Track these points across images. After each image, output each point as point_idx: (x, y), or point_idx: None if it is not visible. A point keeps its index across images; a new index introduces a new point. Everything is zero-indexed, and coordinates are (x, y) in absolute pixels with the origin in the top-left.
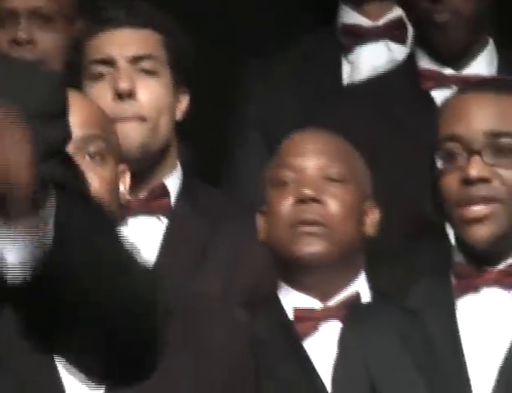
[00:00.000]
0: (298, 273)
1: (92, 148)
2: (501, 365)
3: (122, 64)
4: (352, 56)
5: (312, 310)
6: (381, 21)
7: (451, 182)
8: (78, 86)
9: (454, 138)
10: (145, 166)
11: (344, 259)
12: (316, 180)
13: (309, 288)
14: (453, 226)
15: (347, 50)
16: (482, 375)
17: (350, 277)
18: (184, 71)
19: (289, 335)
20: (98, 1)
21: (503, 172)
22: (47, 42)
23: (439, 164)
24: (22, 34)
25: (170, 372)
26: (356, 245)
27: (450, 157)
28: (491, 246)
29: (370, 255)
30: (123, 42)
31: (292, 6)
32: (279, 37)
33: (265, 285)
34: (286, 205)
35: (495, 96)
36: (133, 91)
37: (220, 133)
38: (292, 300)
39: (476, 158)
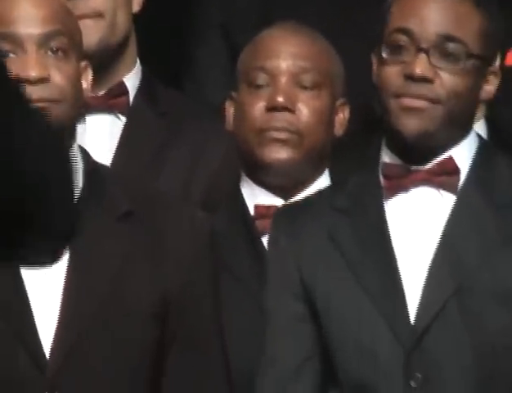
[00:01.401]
0: (263, 174)
1: (54, 44)
2: (431, 263)
3: None
4: None
5: (273, 207)
6: None
7: (393, 74)
8: None
9: (405, 32)
10: (104, 63)
11: (311, 163)
12: (289, 87)
13: (273, 187)
14: (387, 116)
15: None
16: (412, 273)
17: (315, 176)
18: None
19: (249, 231)
20: None
21: (445, 76)
22: None
23: (384, 54)
24: None
25: (131, 276)
26: (324, 148)
27: (396, 49)
28: (420, 141)
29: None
30: None
31: None
32: None
33: (226, 182)
34: (258, 109)
35: (453, 0)
36: None
37: (180, 33)
38: (254, 196)
39: (423, 56)
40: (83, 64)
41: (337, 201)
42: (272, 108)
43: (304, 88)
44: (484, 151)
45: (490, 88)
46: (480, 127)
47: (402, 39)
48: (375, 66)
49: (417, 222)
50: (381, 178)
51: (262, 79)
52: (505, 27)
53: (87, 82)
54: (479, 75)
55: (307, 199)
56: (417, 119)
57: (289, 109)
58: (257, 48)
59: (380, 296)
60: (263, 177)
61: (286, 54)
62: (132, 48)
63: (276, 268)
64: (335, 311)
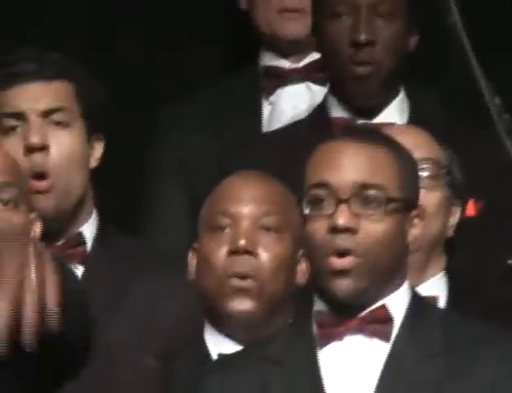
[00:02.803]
0: (226, 323)
1: (5, 195)
2: None
3: (33, 118)
4: (273, 98)
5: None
6: (302, 63)
7: (317, 230)
8: None
9: (322, 185)
10: (61, 218)
11: (274, 311)
12: (250, 230)
13: (236, 337)
14: (316, 275)
15: (267, 91)
16: None
17: (278, 325)
18: (98, 119)
19: None
20: (7, 55)
21: (367, 224)
22: None
23: (306, 210)
24: None
25: None
26: (285, 295)
27: (317, 203)
28: (353, 299)
29: None
30: (34, 96)
31: (213, 48)
32: (200, 77)
33: (187, 329)
34: (220, 254)
35: (366, 145)
36: (45, 145)
37: (138, 179)
38: (218, 344)
39: (344, 207)
40: (32, 215)
41: (269, 351)
42: (234, 252)
43: (267, 229)
44: (417, 303)
45: (416, 231)
46: (441, 279)
47: (322, 193)
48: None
49: (351, 371)
50: (314, 327)
51: (224, 222)
52: (463, 180)
53: (34, 233)
54: (402, 219)
55: (242, 351)
56: (346, 279)
57: (250, 252)
58: (219, 194)
59: None
60: (226, 325)
61: (248, 199)
62: (89, 200)
63: None
64: None
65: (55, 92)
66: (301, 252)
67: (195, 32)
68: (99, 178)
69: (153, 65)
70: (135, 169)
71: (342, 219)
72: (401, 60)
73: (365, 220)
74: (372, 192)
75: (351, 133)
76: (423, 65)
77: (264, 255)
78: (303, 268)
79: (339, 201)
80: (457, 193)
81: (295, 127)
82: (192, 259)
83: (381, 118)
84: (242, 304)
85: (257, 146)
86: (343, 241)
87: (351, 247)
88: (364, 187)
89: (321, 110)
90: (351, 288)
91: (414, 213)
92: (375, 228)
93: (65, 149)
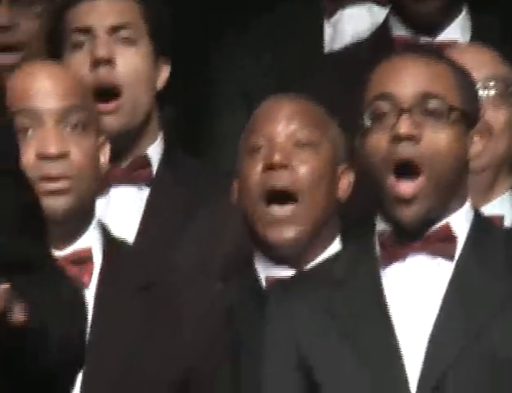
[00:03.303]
0: (271, 248)
1: (73, 119)
2: (431, 333)
3: (100, 33)
4: (333, 20)
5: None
6: None
7: (379, 141)
8: (59, 55)
9: (384, 97)
10: (126, 138)
11: (317, 230)
12: (285, 146)
13: (283, 260)
14: (380, 197)
15: (329, 12)
16: (412, 344)
17: (325, 244)
18: (164, 41)
19: (261, 303)
20: None
21: (430, 134)
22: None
23: (367, 122)
24: None
25: (149, 346)
26: (329, 212)
27: (378, 116)
28: (419, 223)
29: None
30: (102, 12)
31: None
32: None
33: (244, 253)
34: (256, 171)
35: (426, 59)
36: (111, 59)
37: (202, 100)
38: (266, 268)
39: (405, 116)
40: (101, 139)
41: (333, 272)
42: (270, 167)
43: (302, 145)
44: (480, 222)
45: (476, 149)
46: (508, 199)
47: (384, 104)
48: (357, 138)
49: (415, 291)
50: (377, 247)
51: (259, 142)
52: None
53: (105, 157)
54: (464, 132)
55: (304, 273)
56: (409, 207)
57: (286, 166)
58: (254, 117)
59: (379, 368)
60: (272, 250)
61: (281, 117)
62: (155, 122)
63: (273, 345)
64: (332, 383)
65: (122, 8)
66: (342, 168)
67: None
68: (166, 100)
69: None
70: (199, 93)
71: (404, 127)
72: None
73: (427, 130)
74: (434, 102)
75: (413, 50)
76: None
77: (301, 169)
78: (344, 183)
79: (401, 111)
80: None
81: (357, 47)
82: (235, 186)
83: (444, 36)
84: (283, 234)
85: (320, 64)
86: (405, 149)
87: (414, 156)
88: (426, 96)
89: (383, 30)
90: (416, 214)
91: (475, 130)
92: (437, 136)
93: (132, 65)
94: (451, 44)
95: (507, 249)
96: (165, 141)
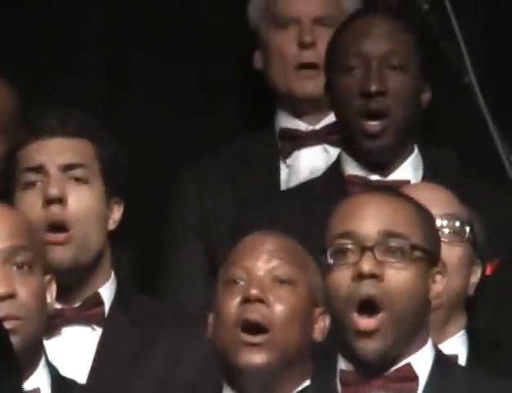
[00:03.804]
0: (241, 379)
1: (19, 258)
2: None
3: (53, 171)
4: (289, 160)
5: None
6: (319, 126)
7: (342, 279)
8: (10, 194)
9: (347, 235)
10: (78, 274)
11: (287, 366)
12: (263, 280)
13: None
14: (341, 333)
15: (284, 154)
16: None
17: (293, 384)
18: (117, 180)
19: None
20: (31, 111)
21: (392, 272)
22: None
23: (330, 260)
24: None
25: None
26: (301, 350)
27: (341, 253)
28: (379, 359)
29: None
30: (55, 151)
31: (228, 110)
32: (214, 142)
33: (207, 385)
34: (233, 304)
35: (388, 198)
36: (63, 198)
37: (157, 240)
38: None
39: (369, 254)
40: (47, 277)
41: None
42: (246, 300)
43: (280, 281)
44: (442, 360)
45: (438, 287)
46: (461, 338)
47: (347, 243)
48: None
49: None
50: (339, 386)
51: (238, 275)
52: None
53: (51, 296)
54: (426, 271)
55: None
56: (370, 341)
57: (262, 300)
58: (234, 251)
59: None
60: (242, 382)
61: (262, 253)
62: (107, 261)
63: None
64: None
65: (75, 148)
66: (320, 310)
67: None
68: (119, 237)
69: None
70: (155, 230)
71: (367, 266)
72: (414, 115)
73: (389, 268)
74: (396, 241)
75: (373, 189)
76: (439, 125)
77: (277, 305)
78: (321, 325)
79: (364, 249)
80: (479, 252)
81: (310, 184)
82: (211, 319)
83: (396, 175)
84: (255, 358)
85: (273, 205)
86: (368, 287)
87: (376, 294)
88: (388, 235)
89: (335, 168)
90: (377, 349)
91: (436, 269)
92: (399, 274)
93: (84, 203)
94: (403, 184)
95: (469, 388)
96: (118, 280)
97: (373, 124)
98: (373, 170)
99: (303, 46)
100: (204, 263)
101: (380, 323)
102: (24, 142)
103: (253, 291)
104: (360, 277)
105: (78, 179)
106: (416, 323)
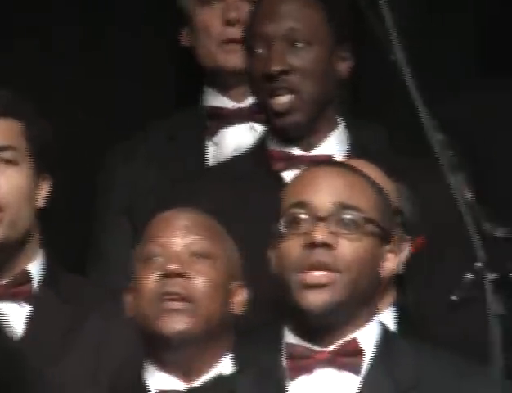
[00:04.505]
0: (162, 350)
1: None
2: None
3: None
4: (216, 138)
5: (174, 392)
6: (245, 103)
7: (293, 246)
8: None
9: (301, 205)
10: (6, 254)
11: (209, 338)
12: (181, 256)
13: (173, 368)
14: (289, 294)
15: (211, 132)
16: None
17: (215, 358)
18: (46, 158)
19: None
20: None
21: (344, 243)
22: None
23: (282, 229)
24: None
25: None
26: (221, 322)
27: (294, 223)
28: (324, 317)
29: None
30: None
31: (154, 86)
32: (140, 118)
33: (131, 367)
34: (152, 279)
35: (344, 172)
36: None
37: (84, 219)
38: (156, 381)
39: (321, 224)
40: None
41: (239, 386)
42: (165, 275)
43: (198, 255)
44: (387, 336)
45: (389, 265)
46: (389, 314)
47: (300, 212)
48: (271, 245)
49: None
50: (284, 359)
51: (155, 251)
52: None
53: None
54: (378, 246)
55: (204, 387)
56: (321, 292)
57: (181, 275)
58: (149, 227)
59: None
60: (163, 354)
61: (178, 228)
62: (36, 238)
63: None
64: None
65: (4, 130)
66: (237, 283)
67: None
68: (47, 217)
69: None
70: (83, 209)
71: (320, 235)
72: (325, 89)
73: (342, 239)
74: (350, 213)
75: (327, 162)
76: (366, 99)
77: (196, 278)
78: (239, 299)
79: (318, 219)
80: (408, 229)
81: (236, 160)
82: (127, 297)
83: (319, 150)
84: (176, 324)
85: (198, 181)
86: (320, 255)
87: (328, 261)
88: (342, 207)
89: (259, 144)
90: (325, 301)
91: (388, 247)
92: (352, 245)
93: (13, 185)
94: (326, 158)
95: (416, 362)
96: (46, 258)
97: (279, 103)
98: (296, 145)
99: (228, 23)
100: (132, 241)
101: (331, 280)
102: None
103: (172, 266)
104: (312, 245)
105: (7, 161)
106: (366, 292)
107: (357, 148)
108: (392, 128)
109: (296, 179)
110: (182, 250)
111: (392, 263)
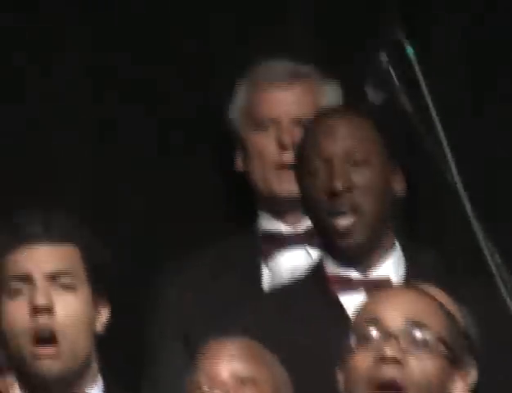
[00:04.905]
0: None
1: None
2: None
3: (39, 280)
4: (271, 263)
5: None
6: (300, 228)
7: (362, 361)
8: None
9: (374, 321)
10: (66, 382)
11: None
12: (228, 383)
13: None
14: None
15: (266, 256)
16: None
17: None
18: (103, 284)
19: None
20: (14, 217)
21: (414, 361)
22: None
23: (352, 343)
24: None
25: None
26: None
27: (365, 339)
28: None
29: None
30: (41, 259)
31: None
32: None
33: None
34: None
35: (416, 292)
36: (51, 307)
37: (140, 341)
38: None
39: (393, 341)
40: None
41: None
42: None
43: (242, 381)
44: None
45: (457, 390)
46: None
47: (371, 328)
48: (341, 366)
49: None
50: None
51: (202, 382)
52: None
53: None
54: (447, 367)
55: None
56: None
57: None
58: (201, 356)
59: None
60: None
61: (225, 360)
62: (94, 364)
63: None
64: None
65: (61, 255)
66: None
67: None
68: (104, 342)
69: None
70: (138, 332)
71: (390, 350)
72: (384, 208)
73: (412, 357)
74: (421, 331)
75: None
76: (422, 224)
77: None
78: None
79: (388, 335)
80: (473, 354)
81: (292, 283)
82: None
83: (377, 272)
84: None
85: (255, 306)
86: (390, 371)
87: (397, 377)
88: (414, 325)
89: (317, 267)
90: None
91: (457, 371)
92: (421, 364)
93: (71, 312)
94: (384, 281)
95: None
96: (105, 383)
97: (343, 223)
98: (353, 267)
99: (282, 147)
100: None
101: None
102: (10, 249)
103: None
104: (382, 361)
105: (64, 286)
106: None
107: (414, 271)
108: (449, 253)
109: (371, 298)
110: (228, 377)
111: (460, 388)
